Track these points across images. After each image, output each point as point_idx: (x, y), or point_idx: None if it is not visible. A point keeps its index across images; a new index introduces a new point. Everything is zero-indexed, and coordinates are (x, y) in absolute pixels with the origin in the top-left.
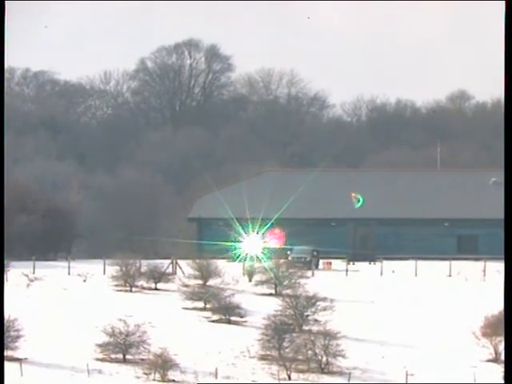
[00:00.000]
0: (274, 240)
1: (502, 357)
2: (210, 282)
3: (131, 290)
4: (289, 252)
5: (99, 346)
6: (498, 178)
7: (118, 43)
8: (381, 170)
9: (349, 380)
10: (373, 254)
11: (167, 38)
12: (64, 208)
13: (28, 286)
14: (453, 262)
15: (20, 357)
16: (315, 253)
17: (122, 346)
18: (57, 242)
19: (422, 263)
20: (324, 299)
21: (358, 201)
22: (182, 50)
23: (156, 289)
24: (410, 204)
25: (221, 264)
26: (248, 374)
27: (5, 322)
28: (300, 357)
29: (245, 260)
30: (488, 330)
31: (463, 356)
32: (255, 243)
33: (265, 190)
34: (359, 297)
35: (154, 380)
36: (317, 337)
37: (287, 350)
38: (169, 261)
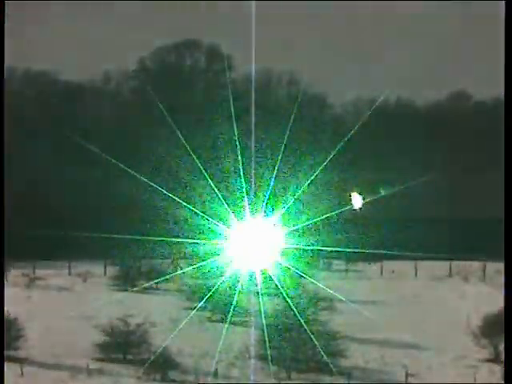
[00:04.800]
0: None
1: (502, 357)
2: (211, 282)
3: (132, 290)
4: None
5: (99, 345)
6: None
7: (118, 43)
8: (381, 170)
9: (349, 380)
10: (373, 254)
11: (167, 37)
12: (64, 207)
13: (28, 285)
14: (453, 262)
15: (20, 357)
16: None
17: (122, 346)
18: (57, 241)
19: (421, 263)
20: (324, 299)
21: (358, 201)
22: (182, 50)
23: (156, 288)
24: (411, 204)
25: (221, 263)
26: (248, 374)
27: (5, 321)
28: (300, 357)
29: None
30: (488, 330)
31: (463, 356)
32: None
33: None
34: (359, 296)
35: (154, 380)
36: (317, 337)
37: (287, 350)
38: (169, 260)
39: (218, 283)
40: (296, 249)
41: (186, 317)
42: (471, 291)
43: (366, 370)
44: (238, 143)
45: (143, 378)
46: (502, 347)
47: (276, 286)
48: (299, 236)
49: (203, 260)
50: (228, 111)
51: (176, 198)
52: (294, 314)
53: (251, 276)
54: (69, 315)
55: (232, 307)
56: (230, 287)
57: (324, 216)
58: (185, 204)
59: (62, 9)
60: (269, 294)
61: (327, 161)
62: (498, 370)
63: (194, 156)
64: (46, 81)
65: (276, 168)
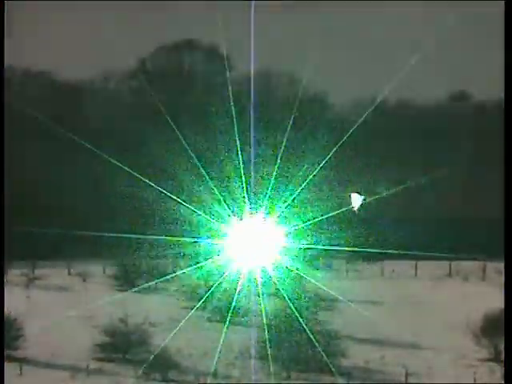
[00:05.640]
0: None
1: (502, 356)
2: (210, 282)
3: (131, 290)
4: None
5: (99, 345)
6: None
7: (118, 43)
8: (380, 169)
9: (349, 380)
10: (373, 254)
11: (167, 38)
12: (64, 207)
13: (28, 285)
14: (453, 262)
15: (20, 357)
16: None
17: (122, 346)
18: (57, 241)
19: (422, 263)
20: (324, 299)
21: (358, 201)
22: (182, 50)
23: (156, 288)
24: (411, 203)
25: (221, 263)
26: (248, 374)
27: (5, 321)
28: (300, 356)
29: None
30: (488, 330)
31: (463, 356)
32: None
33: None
34: (359, 296)
35: (154, 380)
36: (317, 336)
37: (287, 350)
38: (169, 260)
39: (218, 283)
40: (296, 248)
41: (185, 317)
42: (471, 291)
43: (366, 370)
44: (237, 142)
45: (143, 377)
46: (501, 347)
47: (276, 285)
48: (299, 235)
49: (203, 260)
50: (227, 111)
51: (176, 198)
52: (294, 314)
53: (251, 276)
54: (68, 315)
55: (232, 307)
56: (229, 287)
57: (324, 216)
58: (184, 203)
59: (61, 8)
60: (269, 294)
61: (327, 160)
62: (498, 370)
63: (193, 155)
64: (45, 80)
65: (276, 167)
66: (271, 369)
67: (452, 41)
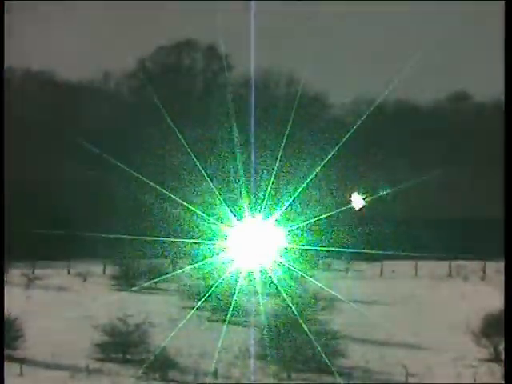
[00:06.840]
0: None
1: (502, 357)
2: (210, 281)
3: (131, 290)
4: None
5: (99, 345)
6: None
7: (118, 43)
8: (380, 170)
9: (349, 380)
10: (373, 254)
11: (167, 38)
12: (64, 207)
13: (28, 285)
14: (453, 262)
15: (20, 357)
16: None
17: (121, 346)
18: (56, 241)
19: (422, 263)
20: (324, 299)
21: (359, 201)
22: (181, 50)
23: (156, 288)
24: (411, 203)
25: (221, 263)
26: (248, 374)
27: (5, 321)
28: (300, 357)
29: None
30: (488, 330)
31: (463, 356)
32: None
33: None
34: (359, 296)
35: (153, 380)
36: (317, 336)
37: (287, 350)
38: (169, 260)
39: (218, 283)
40: (296, 248)
41: (185, 317)
42: (471, 291)
43: (366, 370)
44: (237, 143)
45: (142, 377)
46: (502, 347)
47: (275, 285)
48: (299, 236)
49: (203, 260)
50: (227, 111)
51: (176, 198)
52: (294, 314)
53: (251, 276)
54: (68, 315)
55: (231, 307)
56: (229, 287)
57: (324, 216)
58: (185, 204)
59: (61, 8)
60: (268, 294)
61: (327, 160)
62: (498, 370)
63: (193, 156)
64: (45, 81)
65: (275, 167)
66: (271, 369)
67: (452, 41)
